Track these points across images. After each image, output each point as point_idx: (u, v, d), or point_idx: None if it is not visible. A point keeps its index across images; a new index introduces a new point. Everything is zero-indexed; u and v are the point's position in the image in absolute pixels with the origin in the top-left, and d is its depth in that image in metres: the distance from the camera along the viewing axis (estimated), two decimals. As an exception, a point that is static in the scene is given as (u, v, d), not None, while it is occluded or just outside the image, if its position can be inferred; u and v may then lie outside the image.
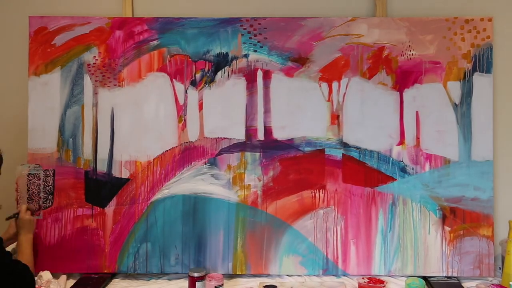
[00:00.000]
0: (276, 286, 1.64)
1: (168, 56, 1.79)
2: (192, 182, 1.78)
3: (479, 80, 1.77)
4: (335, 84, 1.79)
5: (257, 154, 1.78)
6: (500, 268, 1.76)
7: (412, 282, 1.58)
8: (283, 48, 1.79)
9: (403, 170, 1.77)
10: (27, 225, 1.66)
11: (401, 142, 1.78)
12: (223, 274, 1.66)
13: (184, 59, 1.80)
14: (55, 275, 1.69)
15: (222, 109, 1.79)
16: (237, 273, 1.77)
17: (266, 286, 1.64)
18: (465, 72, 1.78)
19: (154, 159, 1.78)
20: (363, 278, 1.62)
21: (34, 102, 1.79)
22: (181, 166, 1.78)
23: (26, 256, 1.60)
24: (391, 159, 1.78)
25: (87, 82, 1.79)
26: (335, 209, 1.77)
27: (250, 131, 1.79)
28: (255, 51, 1.79)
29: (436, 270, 1.75)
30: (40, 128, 1.77)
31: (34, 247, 1.68)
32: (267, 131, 1.79)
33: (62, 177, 1.77)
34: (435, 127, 1.77)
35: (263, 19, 1.80)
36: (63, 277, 1.71)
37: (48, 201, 1.76)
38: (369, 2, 1.89)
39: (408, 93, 1.78)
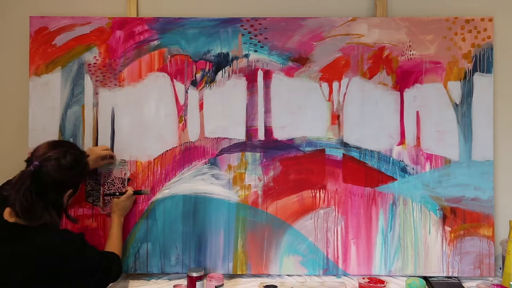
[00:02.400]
0: (276, 286, 1.64)
1: (169, 56, 1.80)
2: (192, 182, 1.78)
3: (480, 80, 1.77)
4: (335, 84, 1.79)
5: (258, 154, 1.79)
6: (500, 268, 1.76)
7: (412, 282, 1.58)
8: (284, 48, 1.79)
9: (404, 170, 1.77)
10: (124, 210, 1.69)
11: (402, 142, 1.78)
12: (223, 274, 1.66)
13: (184, 59, 1.80)
14: (56, 275, 1.70)
15: (223, 109, 1.79)
16: (238, 273, 1.77)
17: (267, 286, 1.64)
18: (466, 72, 1.78)
19: (154, 159, 1.78)
20: (363, 278, 1.62)
21: (35, 102, 1.79)
22: (182, 166, 1.79)
23: (115, 239, 1.62)
24: (391, 159, 1.78)
25: (88, 82, 1.79)
26: (335, 209, 1.77)
27: (250, 131, 1.79)
28: (256, 51, 1.79)
29: (437, 270, 1.75)
30: (40, 128, 1.78)
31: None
32: (268, 131, 1.79)
33: (62, 177, 1.77)
34: (435, 127, 1.78)
35: (264, 19, 1.80)
36: (64, 277, 1.71)
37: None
38: (369, 2, 1.89)
39: (408, 93, 1.78)
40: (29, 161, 1.34)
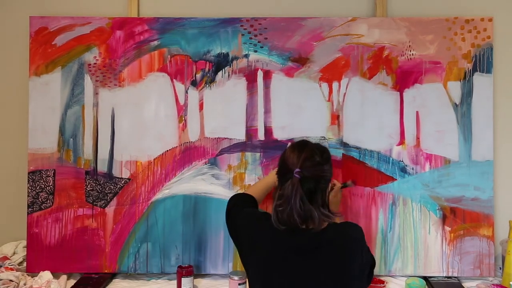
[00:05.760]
0: (276, 286, 1.64)
1: (169, 56, 1.80)
2: (192, 182, 1.78)
3: (479, 80, 1.77)
4: (335, 84, 1.79)
5: (258, 154, 1.79)
6: (500, 268, 1.76)
7: (412, 282, 1.59)
8: (284, 48, 1.79)
9: (403, 170, 1.77)
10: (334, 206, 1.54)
11: (401, 142, 1.78)
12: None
13: (184, 59, 1.80)
14: (56, 275, 1.70)
15: (223, 109, 1.79)
16: (238, 273, 1.77)
17: (267, 286, 1.64)
18: (465, 72, 1.78)
19: (154, 159, 1.78)
20: (363, 278, 1.62)
21: (35, 102, 1.79)
22: (182, 166, 1.79)
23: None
24: (391, 159, 1.78)
25: (88, 82, 1.79)
26: (335, 209, 1.77)
27: (250, 131, 1.79)
28: (256, 51, 1.79)
29: (436, 270, 1.75)
30: (40, 128, 1.78)
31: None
32: (268, 131, 1.79)
33: (62, 177, 1.77)
34: (435, 127, 1.78)
35: (264, 19, 1.80)
36: (64, 277, 1.71)
37: (48, 201, 1.76)
38: (369, 2, 1.89)
39: (408, 93, 1.78)
40: (284, 173, 1.29)
